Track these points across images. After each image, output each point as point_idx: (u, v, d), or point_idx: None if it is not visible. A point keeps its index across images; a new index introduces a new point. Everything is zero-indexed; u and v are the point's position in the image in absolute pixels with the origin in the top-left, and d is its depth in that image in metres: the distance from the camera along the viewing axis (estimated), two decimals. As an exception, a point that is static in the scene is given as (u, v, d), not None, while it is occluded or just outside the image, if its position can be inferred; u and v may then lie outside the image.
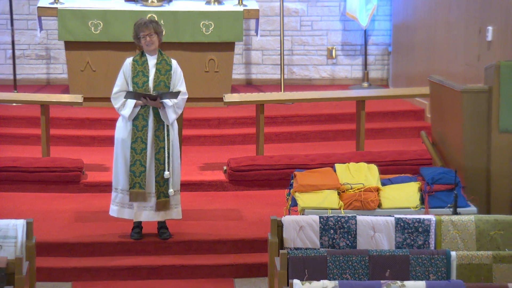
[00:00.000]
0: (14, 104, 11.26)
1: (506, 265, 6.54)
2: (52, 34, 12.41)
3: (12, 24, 12.22)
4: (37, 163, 9.89)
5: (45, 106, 10.20)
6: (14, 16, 12.25)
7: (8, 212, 8.85)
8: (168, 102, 8.25)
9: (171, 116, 8.31)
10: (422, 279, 6.44)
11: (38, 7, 11.74)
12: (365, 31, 12.73)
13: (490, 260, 6.55)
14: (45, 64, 12.78)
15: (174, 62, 8.43)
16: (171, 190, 8.36)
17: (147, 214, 8.40)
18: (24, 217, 7.03)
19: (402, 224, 6.94)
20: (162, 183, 8.35)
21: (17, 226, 6.84)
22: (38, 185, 9.80)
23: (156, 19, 10.96)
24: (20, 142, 10.90)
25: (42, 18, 11.83)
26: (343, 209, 7.61)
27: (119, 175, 8.39)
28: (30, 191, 9.75)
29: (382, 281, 6.21)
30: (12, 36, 12.22)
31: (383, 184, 7.89)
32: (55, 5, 11.65)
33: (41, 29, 11.97)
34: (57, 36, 11.80)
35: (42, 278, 8.08)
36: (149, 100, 8.19)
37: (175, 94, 8.24)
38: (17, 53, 12.36)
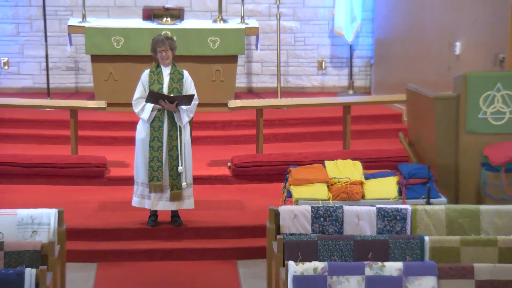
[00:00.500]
0: (48, 109, 11.27)
1: (472, 248, 6.53)
2: (80, 49, 12.41)
3: (46, 41, 12.22)
4: (67, 160, 9.89)
5: (74, 111, 10.21)
6: (48, 34, 12.25)
7: (42, 202, 8.84)
8: (182, 106, 8.26)
9: (185, 119, 8.31)
10: (399, 260, 6.44)
11: (68, 25, 11.77)
12: (350, 46, 12.74)
13: (458, 243, 6.54)
14: (74, 74, 12.77)
15: (185, 72, 8.44)
16: (184, 184, 8.36)
17: (163, 204, 8.40)
18: (56, 206, 7.03)
19: (382, 213, 6.93)
20: (175, 177, 8.34)
21: (50, 215, 6.84)
22: (67, 179, 9.81)
23: (170, 35, 10.96)
24: (52, 142, 10.91)
25: (72, 35, 11.85)
26: (332, 200, 7.62)
27: (139, 170, 8.40)
28: (61, 184, 9.76)
29: (365, 262, 6.21)
30: (46, 51, 12.23)
31: (366, 178, 7.90)
32: (83, 24, 11.67)
33: (70, 44, 11.98)
34: (84, 50, 11.81)
35: (71, 259, 8.08)
36: (167, 102, 8.19)
37: (190, 97, 8.25)
38: (50, 65, 12.36)
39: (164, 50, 8.29)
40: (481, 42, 9.70)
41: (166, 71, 8.36)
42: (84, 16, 11.84)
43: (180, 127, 8.33)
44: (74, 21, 11.86)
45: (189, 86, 8.37)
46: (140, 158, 8.37)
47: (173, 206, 8.42)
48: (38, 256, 6.35)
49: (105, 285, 7.84)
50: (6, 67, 12.64)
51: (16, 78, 12.67)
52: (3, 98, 11.63)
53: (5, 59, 12.62)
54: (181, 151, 8.34)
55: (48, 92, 12.18)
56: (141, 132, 8.37)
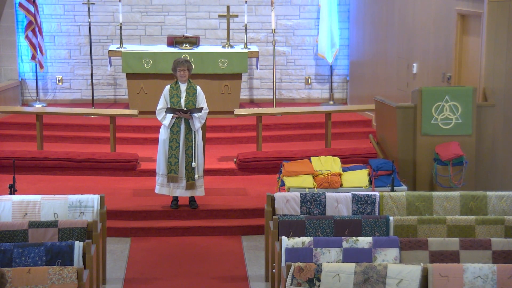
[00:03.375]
0: (92, 116, 11.24)
1: (426, 226, 6.49)
2: (118, 69, 12.38)
3: (91, 62, 12.20)
4: (107, 156, 9.85)
5: (113, 117, 10.17)
6: (93, 57, 12.23)
7: (87, 189, 8.82)
8: (195, 115, 8.22)
9: (197, 124, 8.27)
10: (370, 236, 6.40)
11: (109, 50, 11.73)
12: (331, 66, 12.71)
13: (416, 222, 6.51)
14: (113, 89, 12.74)
15: (198, 88, 8.39)
16: (196, 176, 8.32)
17: (180, 192, 8.37)
18: (98, 193, 7.00)
19: (356, 198, 6.89)
20: (190, 171, 8.30)
21: (93, 199, 6.80)
22: (108, 171, 9.77)
23: (188, 58, 10.93)
24: (96, 142, 10.88)
25: (111, 58, 11.81)
26: (316, 188, 7.57)
27: (160, 164, 8.36)
28: (102, 175, 9.72)
29: (342, 237, 6.16)
30: (91, 70, 12.20)
31: (344, 170, 7.85)
32: (120, 49, 11.64)
33: (110, 65, 11.95)
34: (121, 69, 11.77)
35: (110, 235, 8.06)
36: (182, 113, 8.17)
37: (200, 109, 8.22)
38: (94, 81, 12.33)
39: (183, 70, 8.25)
40: (432, 64, 9.68)
41: (183, 87, 8.32)
42: (121, 43, 11.80)
43: (194, 131, 8.29)
44: (114, 47, 11.82)
45: (201, 99, 8.34)
46: (161, 154, 8.34)
47: (187, 193, 8.38)
48: (85, 232, 6.32)
49: (137, 255, 7.80)
50: (60, 83, 12.60)
51: (68, 92, 12.64)
52: (58, 108, 11.62)
53: (60, 77, 12.58)
54: (195, 150, 8.30)
55: (92, 103, 12.14)
56: (163, 134, 8.33)
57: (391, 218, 6.53)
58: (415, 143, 8.11)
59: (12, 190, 6.99)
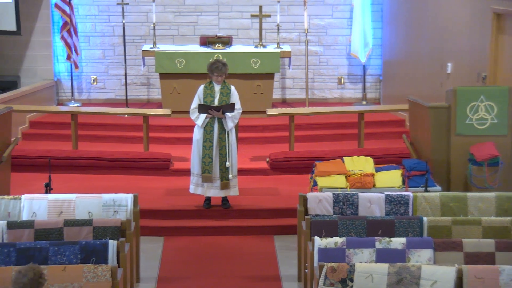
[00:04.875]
0: (126, 115, 11.33)
1: (461, 227, 6.43)
2: (151, 69, 12.46)
3: (125, 62, 12.31)
4: (141, 156, 9.92)
5: (146, 117, 10.24)
6: (127, 57, 12.34)
7: (121, 188, 8.86)
8: (228, 114, 8.23)
9: (230, 124, 8.28)
10: (403, 236, 6.35)
11: (143, 50, 11.82)
12: (363, 65, 12.65)
13: (450, 223, 6.44)
14: (146, 88, 12.83)
15: (232, 88, 8.40)
16: (230, 176, 8.33)
17: (214, 192, 8.38)
18: (132, 192, 7.04)
19: (389, 198, 6.85)
20: (224, 170, 8.32)
21: (127, 198, 6.84)
22: (141, 170, 9.84)
23: (221, 58, 10.96)
24: (129, 141, 10.96)
25: (145, 58, 11.90)
26: (349, 188, 7.54)
27: (194, 164, 8.39)
28: (136, 175, 9.79)
29: (375, 238, 6.13)
30: (125, 70, 12.30)
31: (377, 171, 7.81)
32: (153, 49, 11.71)
33: (144, 65, 12.04)
34: (155, 69, 11.85)
35: (144, 234, 8.09)
36: (214, 111, 8.19)
37: (231, 106, 8.23)
38: (128, 81, 12.43)
39: (220, 75, 8.28)
40: (467, 63, 9.58)
41: (217, 87, 8.34)
42: (154, 43, 11.88)
43: (227, 131, 8.31)
44: (147, 47, 11.90)
45: (234, 99, 8.34)
46: (195, 154, 8.37)
47: (221, 193, 8.40)
48: (118, 231, 6.36)
49: (170, 254, 7.85)
50: (95, 83, 12.73)
51: (102, 92, 12.76)
52: (92, 107, 11.74)
53: (94, 77, 12.71)
54: (228, 150, 8.32)
55: (126, 102, 12.25)
56: (197, 134, 8.37)
57: (424, 218, 6.48)
58: (449, 143, 8.04)
59: (48, 189, 7.08)
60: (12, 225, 6.23)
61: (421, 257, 6.02)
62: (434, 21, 10.55)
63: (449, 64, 10.04)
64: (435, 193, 6.92)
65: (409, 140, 8.75)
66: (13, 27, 11.80)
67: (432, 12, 10.63)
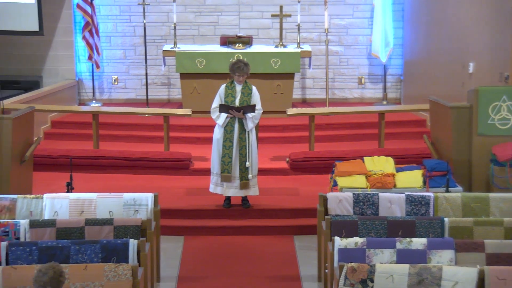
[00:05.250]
0: (146, 115, 11.36)
1: (482, 227, 6.38)
2: (171, 68, 12.50)
3: (146, 62, 12.35)
4: (161, 155, 9.95)
5: (166, 117, 10.28)
6: (147, 57, 12.39)
7: (141, 188, 8.92)
8: (248, 115, 8.23)
9: (250, 125, 8.28)
10: (424, 237, 6.32)
11: (163, 50, 11.85)
12: (384, 65, 12.60)
13: (471, 224, 6.40)
14: (167, 88, 12.87)
15: (254, 88, 8.40)
16: (250, 175, 8.33)
17: (233, 191, 8.39)
18: (152, 191, 7.06)
19: (410, 199, 6.81)
20: (244, 170, 8.32)
21: (147, 198, 6.87)
22: (161, 170, 9.87)
23: (241, 57, 10.97)
24: (150, 141, 11.00)
25: (165, 57, 11.92)
26: (369, 188, 7.51)
27: (214, 163, 8.40)
28: (156, 174, 9.82)
29: (396, 238, 6.10)
30: (146, 70, 12.35)
31: (397, 171, 7.77)
32: (174, 49, 11.74)
33: (164, 65, 12.07)
34: (175, 69, 11.88)
35: (164, 233, 8.12)
36: (235, 111, 8.19)
37: (252, 107, 8.23)
38: (149, 81, 12.48)
39: (241, 75, 8.28)
40: (489, 63, 9.50)
41: (238, 87, 8.34)
42: (175, 43, 11.91)
43: (247, 131, 8.30)
44: (168, 47, 11.93)
45: (256, 99, 8.33)
46: (215, 154, 8.37)
47: (241, 193, 8.40)
48: (139, 230, 6.38)
49: (190, 254, 7.86)
50: (115, 83, 12.79)
51: (123, 92, 12.82)
52: (113, 107, 11.80)
53: (115, 77, 12.77)
54: (248, 150, 8.31)
55: (147, 102, 12.29)
56: (217, 133, 8.37)
57: (446, 219, 6.44)
58: (471, 143, 7.98)
59: (69, 188, 7.12)
60: (34, 224, 6.28)
61: (442, 258, 5.98)
62: (456, 21, 10.47)
63: (471, 64, 9.97)
64: (457, 194, 6.87)
65: (430, 140, 8.69)
66: (35, 28, 11.89)
67: (453, 12, 10.56)
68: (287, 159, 10.02)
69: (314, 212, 7.58)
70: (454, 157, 8.02)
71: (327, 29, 12.22)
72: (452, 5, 10.57)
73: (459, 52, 10.37)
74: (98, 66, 12.35)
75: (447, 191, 7.31)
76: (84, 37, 12.13)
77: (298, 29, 12.00)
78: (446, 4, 10.76)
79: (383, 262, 5.93)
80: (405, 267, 5.51)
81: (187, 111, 10.42)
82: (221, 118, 8.28)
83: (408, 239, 6.06)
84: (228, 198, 8.57)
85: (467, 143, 8.01)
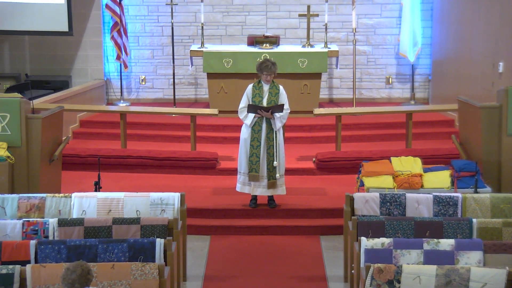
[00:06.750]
0: (174, 115, 11.42)
1: (511, 229, 6.33)
2: (199, 68, 12.54)
3: (173, 62, 12.41)
4: (188, 155, 9.99)
5: (193, 116, 10.31)
6: (175, 57, 12.44)
7: (168, 187, 8.96)
8: (276, 115, 8.23)
9: (278, 124, 8.27)
10: (452, 238, 6.25)
11: (191, 50, 11.89)
12: (412, 65, 12.52)
13: (500, 225, 6.32)
14: (194, 88, 12.91)
15: (281, 87, 8.39)
16: (277, 175, 8.32)
17: (261, 191, 8.39)
18: (179, 191, 7.09)
19: (438, 199, 6.76)
20: (271, 169, 8.32)
21: (174, 197, 6.89)
22: (188, 169, 9.90)
23: (268, 57, 10.96)
24: (177, 140, 11.04)
25: (193, 57, 11.96)
26: (396, 189, 7.46)
27: (242, 163, 8.40)
28: (183, 174, 9.86)
29: (423, 239, 6.05)
30: (173, 70, 12.40)
31: (425, 171, 7.70)
32: (201, 49, 11.78)
33: (192, 65, 12.11)
34: (202, 69, 11.92)
35: (191, 232, 8.16)
36: (263, 111, 8.19)
37: (280, 107, 8.22)
38: (176, 81, 12.54)
39: (269, 74, 8.27)
40: (520, 62, 9.39)
41: (266, 87, 8.34)
42: (202, 43, 11.95)
43: (275, 131, 8.30)
44: (195, 47, 11.97)
45: (283, 99, 8.32)
46: (243, 153, 8.38)
47: (268, 192, 8.40)
48: (166, 229, 6.41)
49: (217, 253, 7.88)
50: (143, 83, 12.87)
51: (151, 91, 12.90)
52: (140, 106, 11.87)
53: (143, 76, 12.85)
54: (276, 149, 8.31)
55: (174, 102, 12.34)
56: (244, 133, 8.38)
57: (474, 220, 6.37)
58: (501, 144, 7.89)
59: (97, 187, 7.18)
60: (63, 223, 6.34)
61: (471, 259, 5.92)
62: (486, 20, 10.36)
63: (501, 64, 9.85)
64: (485, 195, 6.79)
65: (459, 141, 8.61)
66: (65, 28, 12.01)
67: (483, 11, 10.45)
68: (314, 159, 10.00)
69: (341, 212, 7.55)
70: (483, 157, 7.93)
71: (355, 28, 12.17)
72: (483, 4, 10.46)
73: (489, 52, 10.26)
74: (126, 66, 12.43)
75: (476, 192, 7.23)
76: (112, 37, 12.22)
77: (326, 28, 11.96)
78: (477, 3, 10.66)
79: (410, 263, 5.88)
80: (432, 268, 5.46)
81: (214, 111, 10.44)
82: (249, 118, 8.29)
83: (435, 240, 6.00)
84: (254, 198, 8.57)
85: (496, 144, 7.92)
